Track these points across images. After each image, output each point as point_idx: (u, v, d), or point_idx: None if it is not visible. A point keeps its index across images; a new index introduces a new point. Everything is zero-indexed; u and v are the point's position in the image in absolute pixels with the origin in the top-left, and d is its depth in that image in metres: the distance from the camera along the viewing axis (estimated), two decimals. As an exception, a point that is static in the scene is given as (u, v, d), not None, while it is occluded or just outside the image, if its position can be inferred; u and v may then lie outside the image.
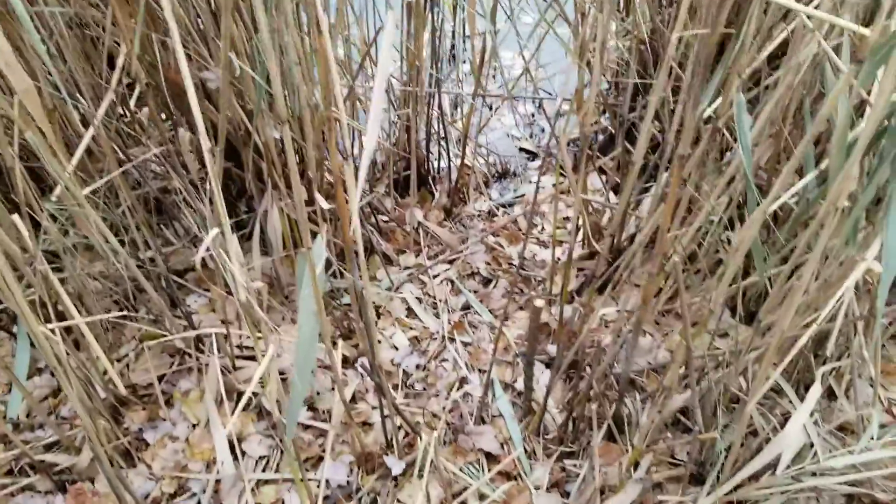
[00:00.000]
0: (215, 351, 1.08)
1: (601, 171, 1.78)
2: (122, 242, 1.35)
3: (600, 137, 1.93)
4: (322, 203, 0.87)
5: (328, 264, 1.49)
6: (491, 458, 1.24)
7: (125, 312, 1.39)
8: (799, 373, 1.19)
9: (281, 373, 1.35)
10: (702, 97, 0.84)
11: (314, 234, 0.86)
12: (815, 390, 0.98)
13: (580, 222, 1.51)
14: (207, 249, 0.73)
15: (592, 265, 1.49)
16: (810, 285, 0.97)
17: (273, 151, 1.17)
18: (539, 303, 1.07)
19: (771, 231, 1.13)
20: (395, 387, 1.37)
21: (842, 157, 0.81)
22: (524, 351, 1.16)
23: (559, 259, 1.53)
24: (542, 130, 2.03)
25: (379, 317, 1.51)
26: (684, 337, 0.89)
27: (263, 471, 1.22)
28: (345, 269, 0.93)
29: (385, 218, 1.70)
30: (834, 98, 0.69)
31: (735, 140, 1.08)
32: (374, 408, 1.30)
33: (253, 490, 1.19)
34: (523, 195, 1.85)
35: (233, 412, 1.28)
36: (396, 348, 1.44)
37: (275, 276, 1.46)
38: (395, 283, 1.56)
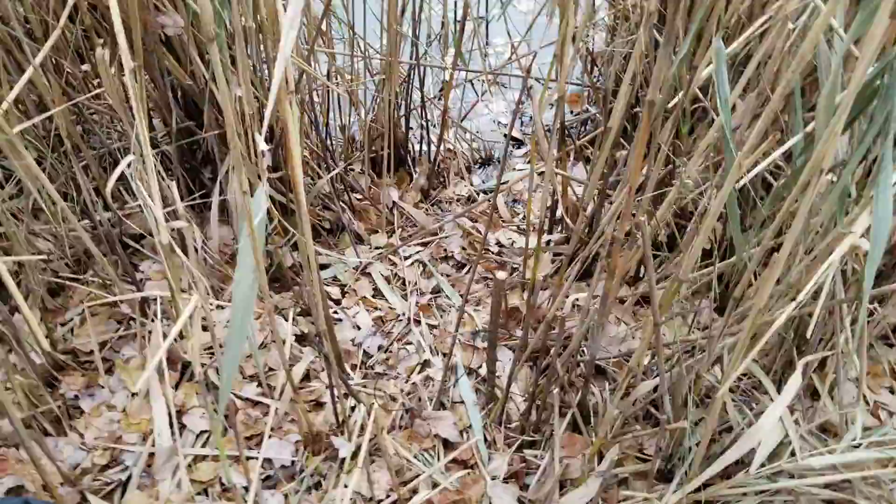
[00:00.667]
0: (159, 317, 1.00)
1: (586, 160, 1.72)
2: (73, 202, 1.29)
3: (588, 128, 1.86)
4: (260, 143, 0.80)
5: (293, 241, 1.42)
6: (449, 445, 1.16)
7: (72, 275, 1.32)
8: (781, 369, 1.11)
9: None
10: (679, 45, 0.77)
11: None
12: (795, 380, 0.90)
13: (559, 207, 1.44)
14: (121, 175, 0.66)
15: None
16: (791, 263, 0.90)
17: (230, 106, 1.10)
18: (502, 275, 1.00)
19: (755, 208, 1.06)
20: (354, 367, 1.29)
21: (828, 115, 0.73)
22: (487, 327, 1.08)
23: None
24: (531, 118, 1.96)
25: (344, 295, 1.43)
26: (651, 310, 0.82)
27: (203, 446, 1.14)
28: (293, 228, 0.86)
29: (359, 196, 1.63)
30: (816, 33, 0.62)
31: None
32: (327, 387, 1.22)
33: (189, 466, 1.11)
34: (506, 182, 1.78)
35: (176, 384, 1.20)
36: (359, 328, 1.36)
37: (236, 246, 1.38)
38: (364, 261, 1.48)
